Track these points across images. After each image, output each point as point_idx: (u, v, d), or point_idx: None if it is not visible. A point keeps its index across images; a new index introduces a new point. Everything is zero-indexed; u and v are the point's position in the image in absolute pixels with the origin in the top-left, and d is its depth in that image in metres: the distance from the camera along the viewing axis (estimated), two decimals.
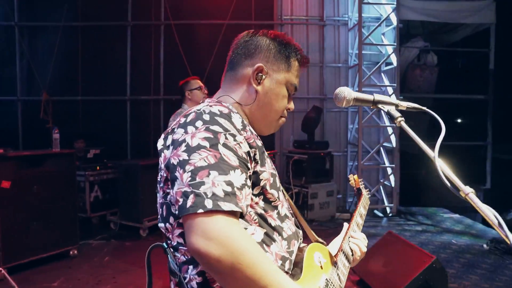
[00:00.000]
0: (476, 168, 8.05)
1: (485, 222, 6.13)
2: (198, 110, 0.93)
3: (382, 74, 6.77)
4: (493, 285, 3.93)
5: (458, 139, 8.00)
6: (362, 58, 6.31)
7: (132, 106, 6.87)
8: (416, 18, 6.82)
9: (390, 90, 6.59)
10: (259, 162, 0.94)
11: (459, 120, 8.89)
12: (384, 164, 6.84)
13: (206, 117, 0.89)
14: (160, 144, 0.96)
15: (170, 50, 6.76)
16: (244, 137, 0.92)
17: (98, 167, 5.79)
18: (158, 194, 0.99)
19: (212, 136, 0.85)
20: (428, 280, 3.09)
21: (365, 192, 1.51)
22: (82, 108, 6.76)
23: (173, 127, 0.95)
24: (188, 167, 0.82)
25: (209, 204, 0.76)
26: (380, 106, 1.12)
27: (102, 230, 5.42)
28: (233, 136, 0.88)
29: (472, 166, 8.19)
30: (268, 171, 0.96)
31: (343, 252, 1.18)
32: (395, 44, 6.43)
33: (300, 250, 1.02)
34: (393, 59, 6.48)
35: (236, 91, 1.08)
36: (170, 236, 0.94)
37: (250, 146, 0.93)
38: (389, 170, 6.72)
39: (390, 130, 6.66)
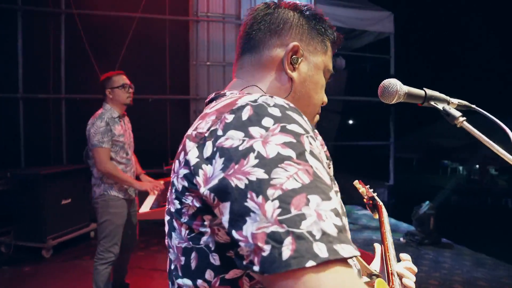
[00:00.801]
0: (380, 166, 8.62)
1: (396, 216, 6.53)
2: (253, 102, 0.61)
3: None
4: (417, 275, 4.12)
5: (365, 139, 8.50)
6: None
7: (26, 106, 5.90)
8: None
9: None
10: (333, 180, 0.67)
11: (364, 121, 9.44)
12: None
13: (275, 111, 0.59)
14: (193, 155, 0.62)
15: (73, 43, 5.97)
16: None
17: None
18: (172, 233, 0.68)
19: (294, 141, 0.56)
20: None
21: (380, 202, 1.30)
22: None
23: (212, 128, 0.61)
24: (272, 192, 0.51)
25: (322, 250, 0.47)
26: (432, 103, 0.94)
27: None
28: (314, 140, 0.60)
29: (377, 164, 8.78)
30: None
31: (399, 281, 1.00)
32: None
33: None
34: None
35: (263, 80, 0.81)
36: None
37: (326, 156, 0.67)
38: None
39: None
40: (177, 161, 0.67)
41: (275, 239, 0.48)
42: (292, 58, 0.80)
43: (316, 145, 0.59)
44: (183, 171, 0.63)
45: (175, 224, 0.66)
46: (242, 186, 0.53)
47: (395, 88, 0.95)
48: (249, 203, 0.51)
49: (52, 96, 6.00)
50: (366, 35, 8.34)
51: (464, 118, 0.93)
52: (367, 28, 7.91)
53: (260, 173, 0.52)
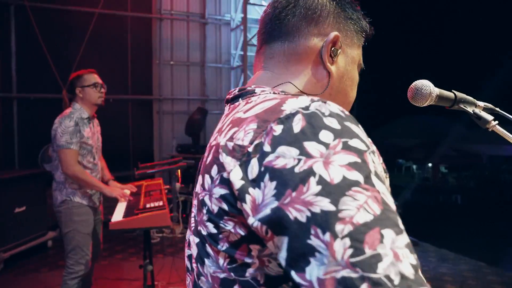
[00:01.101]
0: None
1: None
2: (304, 109, 0.51)
3: None
4: None
5: None
6: (247, 60, 6.20)
7: None
8: None
9: None
10: None
11: None
12: None
13: (332, 122, 0.49)
14: (236, 176, 0.51)
15: (25, 38, 5.57)
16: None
17: None
18: (205, 259, 0.58)
19: (359, 160, 0.46)
20: None
21: None
22: None
23: (256, 141, 0.51)
24: (341, 227, 0.42)
25: None
26: (462, 106, 0.88)
27: None
28: (375, 155, 0.51)
29: None
30: None
31: None
32: None
33: None
34: None
35: (298, 74, 0.70)
36: None
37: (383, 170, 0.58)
38: None
39: None
40: (207, 176, 0.57)
41: (348, 287, 0.39)
42: (332, 50, 0.70)
43: (378, 161, 0.51)
44: (220, 190, 0.53)
45: (209, 250, 0.56)
46: (303, 219, 0.43)
47: (429, 90, 0.88)
48: (314, 241, 0.42)
49: (2, 95, 5.55)
50: None
51: (497, 122, 0.89)
52: None
53: (325, 204, 0.43)
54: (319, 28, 0.70)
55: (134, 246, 4.90)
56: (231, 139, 0.54)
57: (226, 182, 0.52)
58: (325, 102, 0.51)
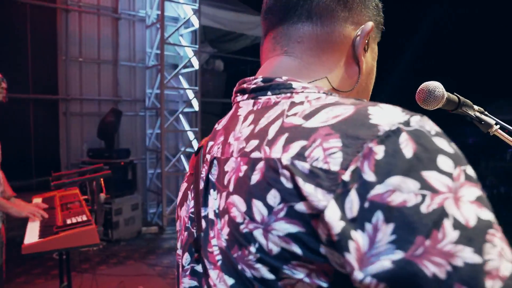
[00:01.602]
0: None
1: None
2: (405, 124, 0.40)
3: (180, 76, 6.53)
4: None
5: None
6: (165, 59, 5.92)
7: None
8: (209, 24, 6.92)
9: (191, 93, 6.44)
10: None
11: None
12: (185, 170, 6.63)
13: (442, 143, 0.40)
14: (333, 215, 0.39)
15: None
16: None
17: None
18: None
19: (482, 194, 0.39)
20: None
21: None
22: None
23: (352, 166, 0.39)
24: (491, 284, 0.34)
25: None
26: (465, 109, 0.87)
27: None
28: None
29: None
30: None
31: None
32: (197, 46, 6.31)
33: None
34: (194, 62, 6.35)
35: (333, 67, 0.59)
36: None
37: None
38: None
39: (191, 135, 6.50)
40: (256, 203, 0.45)
41: None
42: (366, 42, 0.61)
43: None
44: (288, 227, 0.42)
45: None
46: (443, 275, 0.34)
47: (441, 92, 0.86)
48: None
49: None
50: (243, 39, 8.48)
51: (498, 126, 0.90)
52: (246, 31, 8.05)
53: (468, 254, 0.35)
54: (352, 14, 0.59)
55: (56, 267, 4.34)
56: (301, 157, 0.42)
57: (301, 218, 0.41)
58: (421, 115, 0.42)
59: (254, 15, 7.80)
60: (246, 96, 0.58)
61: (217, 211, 0.52)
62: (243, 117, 0.56)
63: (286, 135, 0.45)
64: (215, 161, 0.57)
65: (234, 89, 0.62)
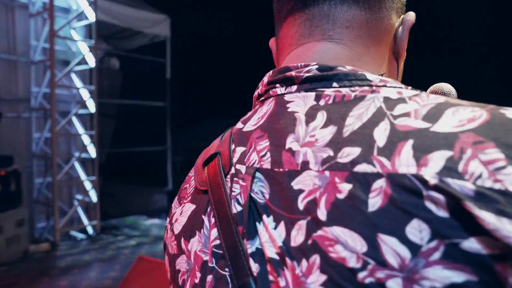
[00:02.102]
0: (159, 171, 8.48)
1: None
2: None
3: (73, 74, 5.86)
4: None
5: (142, 144, 8.16)
6: (55, 54, 5.25)
7: None
8: (103, 19, 6.36)
9: (85, 93, 5.84)
10: None
11: (140, 126, 9.08)
12: (80, 177, 5.98)
13: None
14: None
15: None
16: None
17: None
18: None
19: None
20: None
21: None
22: None
23: None
24: None
25: None
26: None
27: None
28: None
29: (156, 169, 8.60)
30: None
31: None
32: (93, 41, 5.74)
33: None
34: (89, 58, 5.77)
35: (379, 61, 0.50)
36: None
37: None
38: (89, 184, 5.95)
39: (86, 139, 5.90)
40: (384, 238, 0.33)
41: None
42: None
43: None
44: (454, 275, 0.30)
45: None
46: None
47: (455, 94, 0.83)
48: None
49: None
50: (140, 37, 8.01)
51: None
52: (143, 29, 7.62)
53: None
54: (395, 3, 0.51)
55: None
56: (453, 173, 0.32)
57: (473, 261, 0.30)
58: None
59: (153, 12, 7.43)
60: (295, 87, 0.45)
61: (285, 247, 0.38)
62: (303, 114, 0.43)
63: (410, 141, 0.35)
64: (259, 175, 0.43)
65: (267, 79, 0.49)
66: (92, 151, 5.91)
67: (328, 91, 0.43)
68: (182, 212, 0.52)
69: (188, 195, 0.53)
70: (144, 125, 8.24)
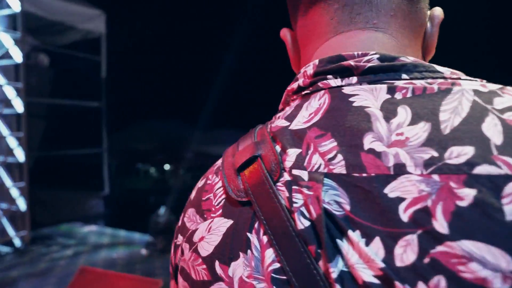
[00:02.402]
0: (94, 175, 8.02)
1: (121, 226, 6.19)
2: None
3: None
4: None
5: (76, 147, 7.66)
6: None
7: None
8: (30, 10, 5.86)
9: (10, 91, 5.33)
10: None
11: (74, 127, 8.51)
12: (4, 184, 5.43)
13: None
14: None
15: None
16: None
17: None
18: None
19: None
20: None
21: None
22: None
23: None
24: None
25: None
26: None
27: None
28: None
29: (90, 173, 8.11)
30: None
31: None
32: (18, 33, 5.25)
33: None
34: (15, 53, 5.28)
35: (419, 55, 0.47)
36: None
37: None
38: (16, 191, 5.42)
39: (13, 141, 5.38)
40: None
41: None
42: None
43: None
44: None
45: None
46: None
47: None
48: None
49: None
50: (73, 32, 7.51)
51: None
52: (76, 24, 7.16)
53: None
54: None
55: None
56: None
57: None
58: None
59: (86, 6, 6.98)
60: (354, 79, 0.40)
61: (388, 268, 0.31)
62: (377, 109, 0.37)
63: None
64: (329, 182, 0.36)
65: (313, 69, 0.43)
66: (20, 155, 5.40)
67: (399, 83, 0.38)
68: (210, 228, 0.42)
69: (216, 207, 0.43)
70: (77, 126, 7.71)
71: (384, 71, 0.39)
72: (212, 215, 0.43)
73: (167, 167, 15.00)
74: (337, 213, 0.34)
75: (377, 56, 0.40)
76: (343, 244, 0.34)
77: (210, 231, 0.42)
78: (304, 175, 0.37)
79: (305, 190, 0.36)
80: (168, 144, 14.44)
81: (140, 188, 12.36)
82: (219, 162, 0.49)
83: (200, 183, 0.49)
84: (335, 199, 0.35)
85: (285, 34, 0.52)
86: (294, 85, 0.45)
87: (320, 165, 0.37)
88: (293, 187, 0.38)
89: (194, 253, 0.43)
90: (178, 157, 13.92)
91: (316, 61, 0.43)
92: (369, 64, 0.40)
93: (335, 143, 0.37)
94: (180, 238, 0.46)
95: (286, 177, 0.39)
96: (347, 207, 0.34)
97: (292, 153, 0.39)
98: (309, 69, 0.43)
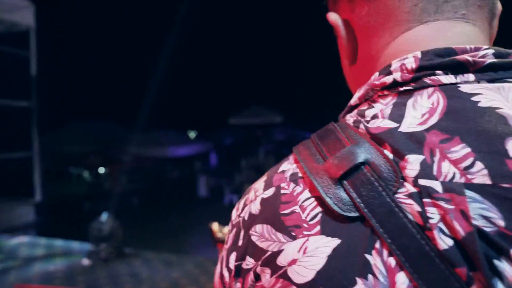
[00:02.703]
0: (22, 180, 7.40)
1: (56, 235, 5.77)
2: None
3: None
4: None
5: (1, 150, 7.00)
6: None
7: None
8: None
9: None
10: None
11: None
12: None
13: None
14: None
15: None
16: None
17: None
18: None
19: None
20: None
21: None
22: None
23: None
24: None
25: None
26: None
27: None
28: None
29: (19, 179, 7.48)
30: None
31: None
32: None
33: None
34: None
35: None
36: None
37: None
38: None
39: None
40: None
41: None
42: None
43: None
44: None
45: None
46: None
47: None
48: None
49: None
50: None
51: None
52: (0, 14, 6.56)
53: None
54: None
55: None
56: None
57: None
58: None
59: None
60: (471, 76, 0.36)
61: None
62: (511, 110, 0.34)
63: None
64: (471, 194, 0.31)
65: (416, 63, 0.37)
66: None
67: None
68: (306, 249, 0.35)
69: (310, 223, 0.36)
70: (4, 127, 7.04)
71: (505, 68, 0.36)
72: (306, 232, 0.35)
73: (102, 170, 14.26)
74: (487, 229, 0.29)
75: (492, 51, 0.36)
76: (503, 265, 0.29)
77: (307, 253, 0.34)
78: (437, 185, 0.32)
79: (442, 204, 0.31)
80: (103, 146, 13.72)
81: (74, 193, 11.59)
82: (293, 167, 0.40)
83: (266, 193, 0.40)
84: (482, 213, 0.30)
85: (336, 20, 0.45)
86: (386, 79, 0.39)
87: (454, 174, 0.32)
88: (424, 200, 0.32)
89: (282, 279, 0.35)
90: (113, 159, 13.28)
91: (418, 53, 0.38)
92: (489, 60, 0.35)
93: (468, 149, 0.32)
94: (250, 261, 0.38)
95: (410, 188, 0.33)
96: (501, 223, 0.29)
97: (414, 160, 0.34)
98: (409, 62, 0.38)
